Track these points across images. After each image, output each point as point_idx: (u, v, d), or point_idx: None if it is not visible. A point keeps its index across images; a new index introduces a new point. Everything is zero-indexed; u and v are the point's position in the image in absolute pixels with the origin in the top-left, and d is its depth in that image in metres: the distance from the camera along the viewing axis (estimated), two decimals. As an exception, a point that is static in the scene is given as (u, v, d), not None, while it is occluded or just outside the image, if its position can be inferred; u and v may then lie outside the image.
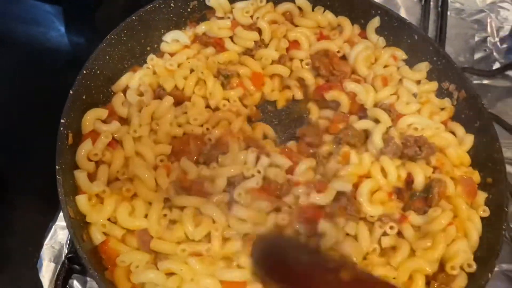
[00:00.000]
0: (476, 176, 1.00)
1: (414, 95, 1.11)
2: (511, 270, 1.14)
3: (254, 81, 1.09)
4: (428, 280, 0.90)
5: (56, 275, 1.00)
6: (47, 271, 1.04)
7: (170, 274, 0.84)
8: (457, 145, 1.04)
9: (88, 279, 1.05)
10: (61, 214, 1.09)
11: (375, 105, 1.07)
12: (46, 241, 1.06)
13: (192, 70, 1.05)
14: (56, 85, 1.06)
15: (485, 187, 1.00)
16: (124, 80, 1.04)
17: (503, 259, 1.15)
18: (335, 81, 1.09)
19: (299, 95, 1.13)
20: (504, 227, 0.92)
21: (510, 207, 1.19)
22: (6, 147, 1.14)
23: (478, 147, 1.04)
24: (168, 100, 0.99)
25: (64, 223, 1.07)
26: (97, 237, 0.87)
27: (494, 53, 1.50)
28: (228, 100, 1.06)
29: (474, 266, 0.89)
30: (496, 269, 1.14)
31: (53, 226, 1.08)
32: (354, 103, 1.07)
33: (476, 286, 0.87)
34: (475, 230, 0.93)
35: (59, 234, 1.07)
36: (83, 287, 1.04)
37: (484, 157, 1.02)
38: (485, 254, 0.91)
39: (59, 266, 1.01)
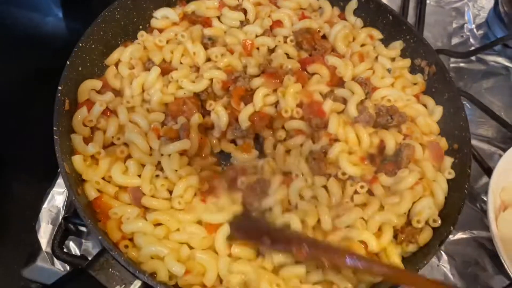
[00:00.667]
0: (443, 143, 1.08)
1: (389, 70, 1.19)
2: (481, 236, 1.22)
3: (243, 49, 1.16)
4: (396, 233, 0.98)
5: (53, 235, 1.07)
6: (45, 233, 1.11)
7: (157, 224, 0.91)
8: (427, 115, 1.12)
9: (84, 240, 1.12)
10: (58, 180, 1.16)
11: (353, 79, 1.15)
12: (44, 205, 1.14)
13: (180, 43, 1.13)
14: (52, 68, 1.14)
15: (452, 153, 1.08)
16: (116, 54, 1.12)
17: (474, 226, 1.23)
18: (317, 55, 1.17)
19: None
20: (466, 186, 0.99)
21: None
22: (5, 117, 1.21)
23: (446, 117, 1.12)
24: (155, 70, 1.07)
25: (61, 189, 1.16)
26: (91, 193, 0.94)
27: (471, 39, 1.59)
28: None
29: (439, 221, 0.97)
30: (467, 235, 1.23)
31: (51, 192, 1.15)
32: (334, 76, 1.15)
33: (440, 239, 0.94)
34: (440, 190, 1.01)
35: (56, 199, 1.15)
36: (79, 249, 1.11)
37: (451, 126, 1.10)
38: (449, 211, 0.99)
39: (56, 227, 1.09)
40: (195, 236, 0.89)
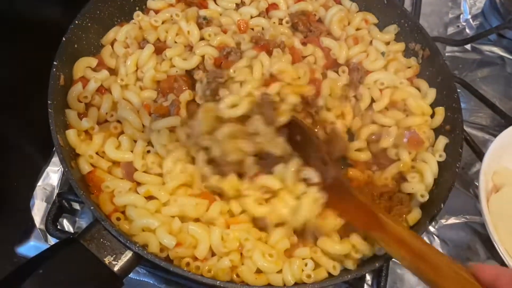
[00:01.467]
0: (435, 123, 1.09)
1: (383, 54, 1.20)
2: (474, 221, 1.23)
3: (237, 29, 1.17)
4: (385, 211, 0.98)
5: (47, 212, 1.08)
6: (39, 210, 1.12)
7: (149, 198, 0.92)
8: (419, 97, 1.12)
9: (77, 219, 1.13)
10: (53, 159, 1.17)
11: (347, 61, 1.16)
12: (39, 183, 1.15)
13: (175, 23, 1.14)
14: (51, 50, 1.14)
15: (445, 134, 1.08)
16: (112, 33, 1.12)
17: (467, 211, 1.24)
18: (312, 36, 1.18)
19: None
20: (458, 165, 1.00)
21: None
22: (4, 102, 1.22)
23: (439, 99, 1.12)
24: (149, 48, 1.08)
25: (56, 168, 1.17)
26: (85, 167, 0.94)
27: (466, 29, 1.60)
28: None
29: (427, 196, 0.98)
30: (460, 220, 1.23)
31: (46, 170, 1.16)
32: (328, 57, 1.16)
33: (430, 216, 0.95)
34: (430, 171, 1.01)
35: (51, 177, 1.16)
36: (72, 227, 1.12)
37: (445, 108, 1.10)
38: (440, 190, 0.99)
39: (50, 205, 1.09)
40: (187, 206, 0.89)
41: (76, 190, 0.86)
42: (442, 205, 0.94)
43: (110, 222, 0.85)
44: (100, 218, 0.83)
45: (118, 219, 0.89)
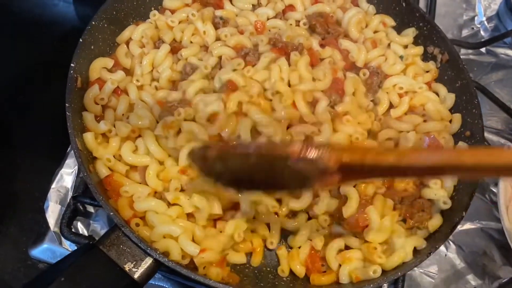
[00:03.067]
0: (454, 128, 1.08)
1: (401, 57, 1.18)
2: (489, 227, 1.22)
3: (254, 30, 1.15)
4: (405, 218, 0.97)
5: (61, 215, 1.06)
6: (53, 212, 1.11)
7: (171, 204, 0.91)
8: (438, 102, 1.11)
9: (91, 221, 1.12)
10: (67, 161, 1.16)
11: (365, 65, 1.14)
12: (53, 185, 1.13)
13: (190, 23, 1.12)
14: (60, 52, 1.13)
15: (464, 140, 1.07)
16: (127, 32, 1.11)
17: (483, 217, 1.23)
18: (330, 38, 1.16)
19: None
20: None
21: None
22: (15, 97, 1.21)
23: (458, 104, 1.11)
24: (165, 48, 1.07)
25: (70, 170, 1.15)
26: (102, 171, 0.93)
27: (481, 31, 1.58)
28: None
29: (449, 203, 0.97)
30: (475, 226, 1.22)
31: (60, 172, 1.14)
32: (346, 60, 1.14)
33: (451, 225, 0.94)
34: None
35: (65, 179, 1.14)
36: (86, 229, 1.11)
37: (464, 113, 1.09)
38: (461, 196, 0.98)
39: (65, 208, 1.08)
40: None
41: (96, 195, 0.85)
42: (464, 213, 0.93)
43: (130, 228, 0.84)
44: (120, 224, 0.82)
45: (137, 224, 0.88)
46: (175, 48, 1.09)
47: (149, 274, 0.82)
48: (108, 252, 0.80)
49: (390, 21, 1.24)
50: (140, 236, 0.84)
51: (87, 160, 0.92)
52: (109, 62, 1.05)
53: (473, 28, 1.59)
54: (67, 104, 0.92)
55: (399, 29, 1.24)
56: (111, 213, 0.83)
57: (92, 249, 0.80)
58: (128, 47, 1.09)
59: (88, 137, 0.94)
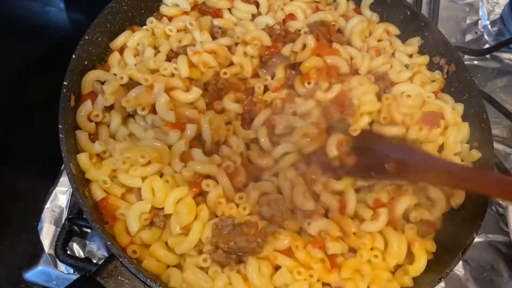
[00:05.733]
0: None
1: (407, 66, 1.14)
2: (497, 240, 1.19)
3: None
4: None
5: (56, 236, 1.02)
6: (47, 234, 1.07)
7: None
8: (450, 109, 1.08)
9: (88, 242, 1.08)
10: (61, 179, 1.12)
11: (369, 72, 1.11)
12: (47, 205, 1.09)
13: (188, 31, 1.09)
14: (53, 60, 1.08)
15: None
16: (122, 38, 1.06)
17: (490, 230, 1.20)
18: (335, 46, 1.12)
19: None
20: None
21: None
22: (9, 115, 1.16)
23: (466, 117, 1.08)
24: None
25: (64, 188, 1.11)
26: (98, 194, 0.89)
27: (485, 36, 1.54)
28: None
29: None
30: (482, 239, 1.19)
31: (54, 191, 1.10)
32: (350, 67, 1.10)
33: (463, 246, 0.91)
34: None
35: (59, 198, 1.10)
36: (82, 250, 1.07)
37: (472, 128, 1.06)
38: (472, 217, 0.95)
39: (60, 228, 1.04)
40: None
41: (91, 223, 0.81)
42: (475, 234, 0.90)
43: (128, 258, 0.80)
44: (117, 254, 0.78)
45: (134, 252, 0.84)
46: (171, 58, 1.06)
47: (148, 306, 0.78)
48: (106, 284, 0.77)
49: (394, 30, 1.20)
50: (140, 267, 0.80)
51: (81, 184, 0.88)
52: (102, 74, 1.00)
53: (476, 33, 1.55)
54: (60, 126, 0.87)
55: (403, 38, 1.20)
56: (108, 243, 0.79)
57: (89, 281, 0.77)
58: (121, 54, 1.05)
59: (83, 158, 0.90)
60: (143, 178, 0.89)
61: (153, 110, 0.95)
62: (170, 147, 0.94)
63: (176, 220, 0.86)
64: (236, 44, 1.09)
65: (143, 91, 0.95)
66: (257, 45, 1.08)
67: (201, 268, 0.84)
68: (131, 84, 0.98)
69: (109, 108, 0.98)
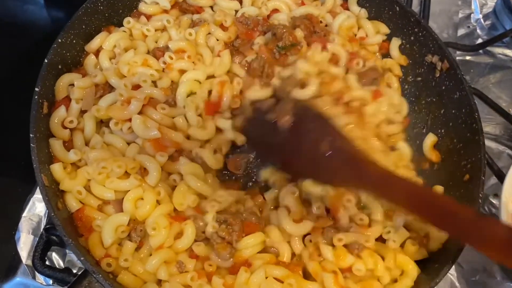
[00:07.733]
0: None
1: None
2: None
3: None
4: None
5: (34, 247, 0.99)
6: (25, 244, 1.03)
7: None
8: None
9: (67, 251, 1.04)
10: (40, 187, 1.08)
11: None
12: (24, 214, 1.06)
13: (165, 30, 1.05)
14: (33, 58, 1.03)
15: (464, 156, 1.00)
16: (98, 40, 1.02)
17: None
18: (316, 37, 1.09)
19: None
20: (480, 195, 0.92)
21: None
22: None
23: (457, 117, 1.04)
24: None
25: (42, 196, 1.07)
26: (73, 205, 0.85)
27: (478, 30, 1.50)
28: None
29: None
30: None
31: (31, 199, 1.07)
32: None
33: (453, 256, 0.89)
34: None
35: (37, 206, 1.07)
36: (62, 260, 1.04)
37: (463, 127, 1.02)
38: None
39: (37, 238, 1.00)
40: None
41: (64, 238, 0.77)
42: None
43: (102, 274, 0.76)
44: (91, 270, 0.75)
45: (109, 265, 0.80)
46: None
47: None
48: (80, 301, 0.73)
49: (384, 29, 1.16)
50: (115, 282, 0.76)
51: (55, 195, 0.84)
52: (76, 78, 0.95)
53: (469, 27, 1.51)
54: (31, 135, 0.83)
55: (392, 35, 1.16)
56: (82, 259, 0.75)
57: (62, 299, 0.73)
58: (97, 57, 1.00)
59: (56, 168, 0.86)
60: (118, 193, 0.86)
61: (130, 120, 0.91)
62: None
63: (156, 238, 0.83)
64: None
65: (118, 105, 0.91)
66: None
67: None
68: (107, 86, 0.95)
69: (83, 113, 0.94)
